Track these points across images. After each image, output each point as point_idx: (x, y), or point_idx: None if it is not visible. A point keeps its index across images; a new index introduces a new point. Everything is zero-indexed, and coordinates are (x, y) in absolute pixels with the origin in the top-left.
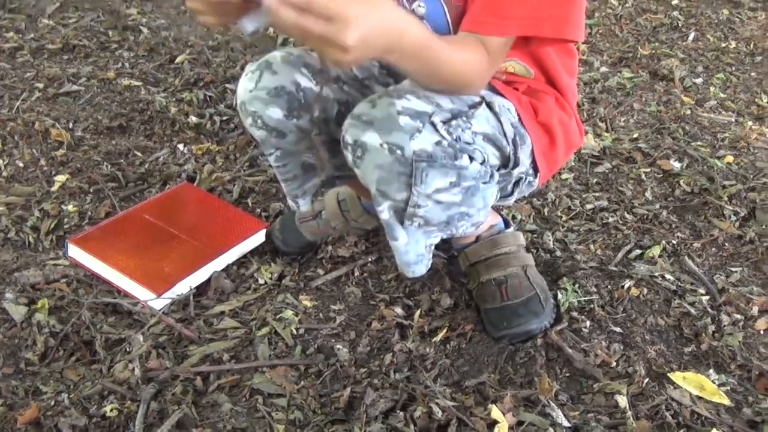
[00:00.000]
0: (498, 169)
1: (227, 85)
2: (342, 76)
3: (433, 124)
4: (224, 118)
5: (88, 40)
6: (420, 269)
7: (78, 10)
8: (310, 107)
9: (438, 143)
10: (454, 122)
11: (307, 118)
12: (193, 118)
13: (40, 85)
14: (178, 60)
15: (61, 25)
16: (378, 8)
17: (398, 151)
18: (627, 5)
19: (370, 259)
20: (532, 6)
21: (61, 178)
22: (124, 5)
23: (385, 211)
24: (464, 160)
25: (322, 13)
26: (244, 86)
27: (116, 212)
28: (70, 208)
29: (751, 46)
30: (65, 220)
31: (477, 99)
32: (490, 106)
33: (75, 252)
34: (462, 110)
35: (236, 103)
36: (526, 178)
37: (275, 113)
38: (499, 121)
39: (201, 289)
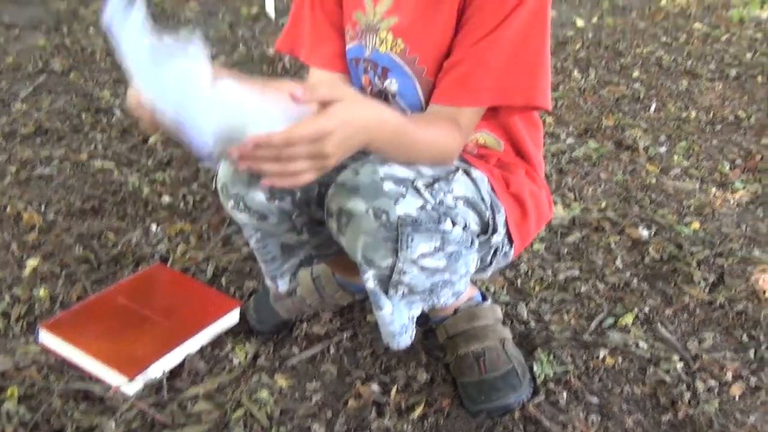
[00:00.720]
0: (478, 236)
1: (200, 164)
2: None
3: (417, 189)
4: (197, 197)
5: (61, 123)
6: (405, 340)
7: (51, 94)
8: (293, 191)
9: (422, 207)
10: (436, 185)
11: (288, 200)
12: (166, 198)
13: (13, 169)
14: (151, 140)
15: (35, 109)
16: (350, 110)
17: (383, 216)
18: (590, 78)
19: (345, 336)
20: (501, 76)
21: (32, 262)
22: (97, 88)
23: (370, 280)
24: (447, 224)
25: (305, 138)
26: (225, 169)
27: (88, 295)
28: (42, 292)
29: (711, 115)
30: (36, 304)
31: (453, 167)
32: (467, 172)
33: (46, 337)
34: (441, 175)
35: (216, 186)
36: (502, 248)
37: (258, 196)
38: (477, 187)
39: (174, 372)
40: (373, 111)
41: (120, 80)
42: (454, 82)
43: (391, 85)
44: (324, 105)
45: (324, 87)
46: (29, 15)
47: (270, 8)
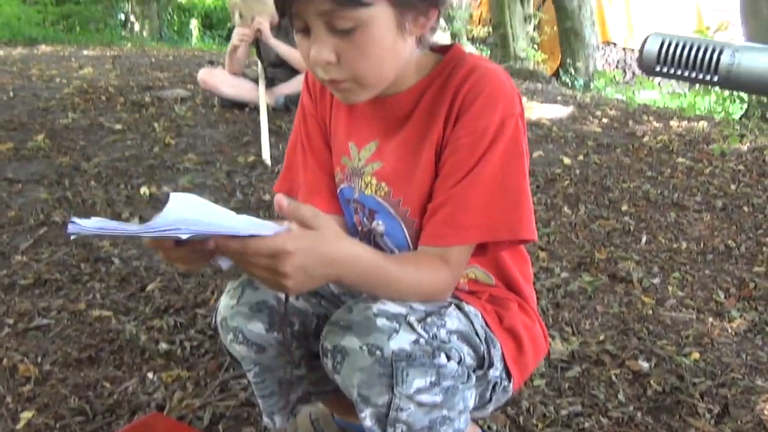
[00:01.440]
0: (474, 371)
1: (197, 310)
2: (320, 291)
3: (410, 324)
4: (194, 343)
5: (60, 274)
6: None
7: (51, 245)
8: (290, 321)
9: (416, 341)
10: (429, 320)
11: (287, 332)
12: (163, 345)
13: (11, 321)
14: (148, 288)
15: (35, 261)
16: (316, 240)
17: (378, 352)
18: (580, 213)
19: None
20: (485, 213)
21: (26, 415)
22: (97, 238)
23: (367, 419)
24: (442, 358)
25: (260, 252)
26: (226, 303)
27: None
28: None
29: (701, 245)
30: None
31: (446, 303)
32: (459, 307)
33: None
34: (434, 310)
35: (215, 321)
36: (501, 383)
37: (256, 327)
38: (470, 321)
39: None
40: (344, 247)
41: None
42: (439, 223)
43: (378, 226)
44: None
45: (308, 210)
46: (32, 170)
47: (266, 156)
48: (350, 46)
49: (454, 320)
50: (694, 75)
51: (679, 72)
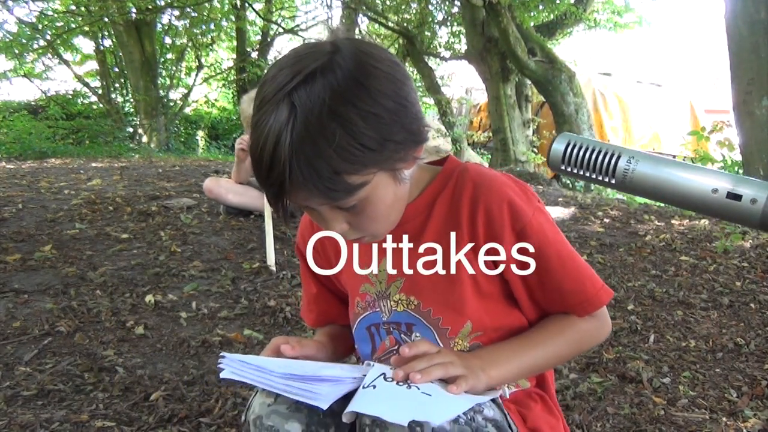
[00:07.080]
0: None
1: (202, 419)
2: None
3: None
4: None
5: (64, 384)
6: None
7: (56, 356)
8: (327, 424)
9: (455, 421)
10: None
11: None
12: None
13: None
14: (152, 397)
15: (38, 371)
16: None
17: (418, 429)
18: None
19: None
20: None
21: None
22: (101, 347)
23: None
24: None
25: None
26: (261, 401)
27: None
28: None
29: (710, 343)
30: None
31: None
32: (493, 400)
33: None
34: None
35: (248, 419)
36: None
37: (294, 428)
38: (504, 414)
39: None
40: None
41: (124, 339)
42: (571, 302)
43: (416, 338)
44: None
45: None
46: (38, 281)
47: (271, 262)
48: (358, 217)
49: (490, 410)
50: (594, 176)
51: (581, 172)
